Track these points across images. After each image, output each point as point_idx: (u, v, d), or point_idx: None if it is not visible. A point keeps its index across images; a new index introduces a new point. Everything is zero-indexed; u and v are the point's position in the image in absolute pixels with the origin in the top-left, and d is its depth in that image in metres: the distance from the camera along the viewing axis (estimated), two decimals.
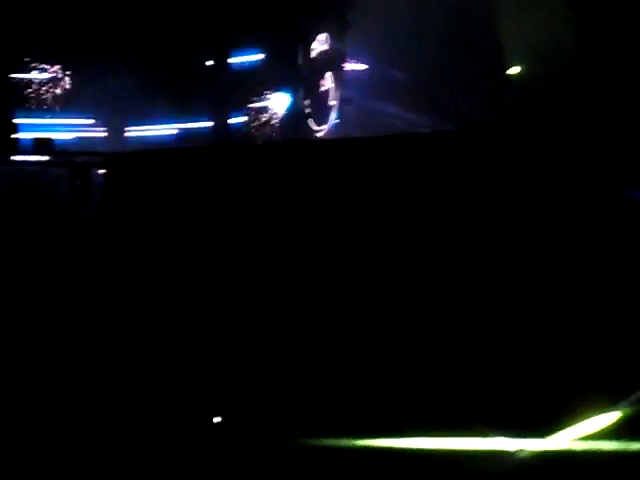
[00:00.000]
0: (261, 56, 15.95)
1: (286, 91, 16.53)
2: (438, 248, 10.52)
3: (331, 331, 10.21)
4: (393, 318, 10.21)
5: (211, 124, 15.54)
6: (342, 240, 10.63)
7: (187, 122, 15.42)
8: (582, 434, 9.12)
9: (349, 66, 17.83)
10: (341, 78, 17.50)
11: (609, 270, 10.52)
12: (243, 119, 15.93)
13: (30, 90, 15.24)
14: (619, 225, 10.82)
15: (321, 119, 17.10)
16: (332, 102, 17.31)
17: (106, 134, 15.23)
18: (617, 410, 9.29)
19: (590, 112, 13.08)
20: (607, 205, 10.88)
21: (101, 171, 11.98)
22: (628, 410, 9.20)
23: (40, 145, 15.01)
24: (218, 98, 15.76)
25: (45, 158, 15.00)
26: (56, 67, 15.17)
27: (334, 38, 17.18)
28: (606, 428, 9.13)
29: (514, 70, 17.83)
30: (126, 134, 15.19)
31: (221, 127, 15.69)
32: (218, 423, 9.39)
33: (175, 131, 15.33)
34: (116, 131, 15.17)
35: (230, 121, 15.73)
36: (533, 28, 17.36)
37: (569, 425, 9.17)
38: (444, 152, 11.18)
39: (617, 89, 13.33)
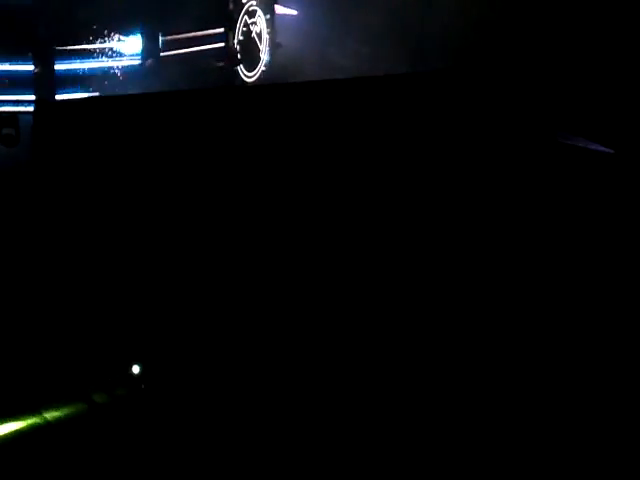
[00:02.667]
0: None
1: (217, 37, 16.48)
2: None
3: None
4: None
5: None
6: (267, 189, 10.67)
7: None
8: None
9: (280, 11, 17.75)
10: (272, 23, 17.43)
11: (540, 211, 10.70)
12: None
13: None
14: (552, 168, 10.99)
15: (252, 65, 17.04)
16: (263, 47, 17.25)
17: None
18: None
19: (522, 56, 13.19)
20: (541, 148, 11.04)
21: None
22: None
23: None
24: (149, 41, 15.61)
25: None
26: None
27: None
28: None
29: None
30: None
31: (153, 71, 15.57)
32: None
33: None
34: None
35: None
36: None
37: None
38: (373, 97, 11.24)
39: (550, 34, 13.43)
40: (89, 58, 15.11)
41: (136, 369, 9.50)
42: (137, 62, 15.41)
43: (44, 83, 14.78)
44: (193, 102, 11.24)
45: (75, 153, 10.50)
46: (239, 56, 16.79)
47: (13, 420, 9.00)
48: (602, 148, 11.54)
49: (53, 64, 14.85)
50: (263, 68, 17.30)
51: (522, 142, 11.07)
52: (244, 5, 16.81)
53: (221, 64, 16.60)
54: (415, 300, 10.04)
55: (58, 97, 14.60)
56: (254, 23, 17.07)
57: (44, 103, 13.26)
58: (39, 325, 9.93)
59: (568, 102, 11.93)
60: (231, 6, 16.62)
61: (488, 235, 10.55)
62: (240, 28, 16.80)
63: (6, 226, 11.31)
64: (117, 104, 11.52)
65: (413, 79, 11.58)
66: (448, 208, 10.68)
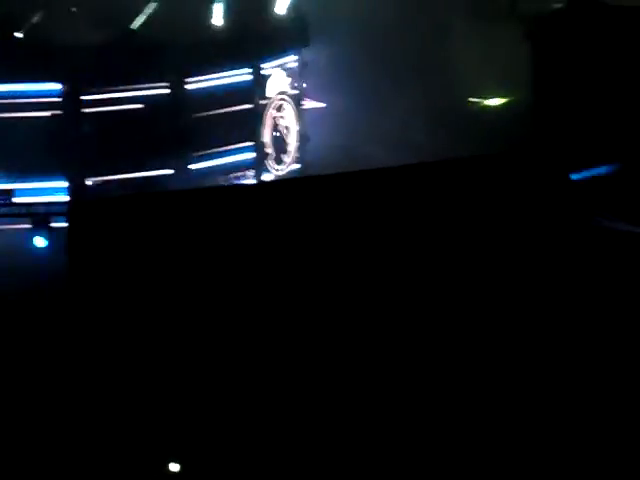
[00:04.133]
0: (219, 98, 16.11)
1: (245, 132, 16.62)
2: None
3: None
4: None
5: (171, 171, 15.64)
6: (308, 284, 10.63)
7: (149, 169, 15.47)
8: None
9: (308, 104, 17.86)
10: (300, 116, 17.54)
11: (582, 287, 10.60)
12: (205, 164, 16.08)
13: None
14: (590, 250, 10.90)
15: (281, 158, 17.11)
16: (291, 141, 17.33)
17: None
18: None
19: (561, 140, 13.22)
20: (576, 230, 10.96)
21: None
22: None
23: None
24: (178, 141, 15.78)
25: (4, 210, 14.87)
26: None
27: (292, 77, 17.27)
28: None
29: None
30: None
31: (182, 174, 15.73)
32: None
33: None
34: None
35: (192, 166, 15.84)
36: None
37: None
38: (410, 185, 11.24)
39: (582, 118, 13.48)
40: None
41: (175, 467, 9.33)
42: None
43: None
44: (229, 198, 11.26)
45: (112, 253, 10.50)
46: (268, 150, 16.88)
47: None
48: None
49: None
50: (292, 161, 17.37)
51: (560, 223, 11.00)
52: (272, 99, 16.95)
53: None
54: None
55: None
56: (282, 117, 17.18)
57: (78, 203, 13.33)
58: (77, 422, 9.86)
59: (606, 183, 11.88)
60: (257, 100, 16.77)
61: (535, 310, 10.44)
62: (268, 122, 16.92)
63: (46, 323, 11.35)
64: (152, 202, 11.55)
65: (451, 166, 11.55)
66: (492, 288, 10.59)
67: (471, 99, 18.47)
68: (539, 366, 9.95)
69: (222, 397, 10.01)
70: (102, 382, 10.02)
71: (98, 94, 15.34)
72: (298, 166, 17.39)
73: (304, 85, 17.56)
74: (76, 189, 15.01)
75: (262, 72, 16.75)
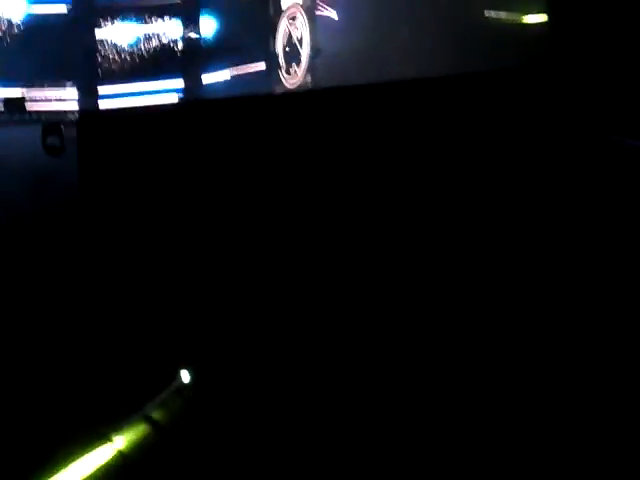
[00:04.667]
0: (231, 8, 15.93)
1: (257, 43, 16.50)
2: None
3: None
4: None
5: (182, 83, 15.53)
6: (320, 201, 10.61)
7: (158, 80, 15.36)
8: None
9: (321, 15, 17.74)
10: (313, 26, 17.39)
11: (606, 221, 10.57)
12: (218, 75, 15.93)
13: None
14: (620, 171, 10.85)
15: (293, 70, 17.03)
16: (304, 52, 17.22)
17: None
18: None
19: (588, 61, 13.07)
20: (607, 152, 10.90)
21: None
22: None
23: (11, 104, 14.86)
24: (190, 51, 15.65)
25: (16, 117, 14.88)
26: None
27: None
28: None
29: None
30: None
31: (194, 85, 15.62)
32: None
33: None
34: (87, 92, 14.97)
35: (204, 77, 15.71)
36: None
37: None
38: (419, 100, 11.16)
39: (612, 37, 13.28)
40: None
41: (186, 376, 9.36)
42: None
43: None
44: (241, 109, 11.19)
45: (123, 165, 10.50)
46: (280, 61, 16.79)
47: (87, 450, 8.69)
48: None
49: None
50: (304, 73, 17.29)
51: (578, 140, 10.94)
52: (285, 11, 16.82)
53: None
54: None
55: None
56: (295, 28, 17.06)
57: (88, 114, 13.29)
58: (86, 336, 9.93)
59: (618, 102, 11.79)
60: (272, 12, 16.63)
61: (547, 230, 10.43)
62: (281, 33, 16.81)
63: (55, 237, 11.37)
64: (164, 113, 11.50)
65: (465, 80, 11.45)
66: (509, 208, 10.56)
67: (487, 13, 18.31)
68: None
69: (237, 309, 10.08)
70: (113, 293, 10.10)
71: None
72: (310, 78, 17.33)
73: None
74: (87, 98, 14.97)
75: None
